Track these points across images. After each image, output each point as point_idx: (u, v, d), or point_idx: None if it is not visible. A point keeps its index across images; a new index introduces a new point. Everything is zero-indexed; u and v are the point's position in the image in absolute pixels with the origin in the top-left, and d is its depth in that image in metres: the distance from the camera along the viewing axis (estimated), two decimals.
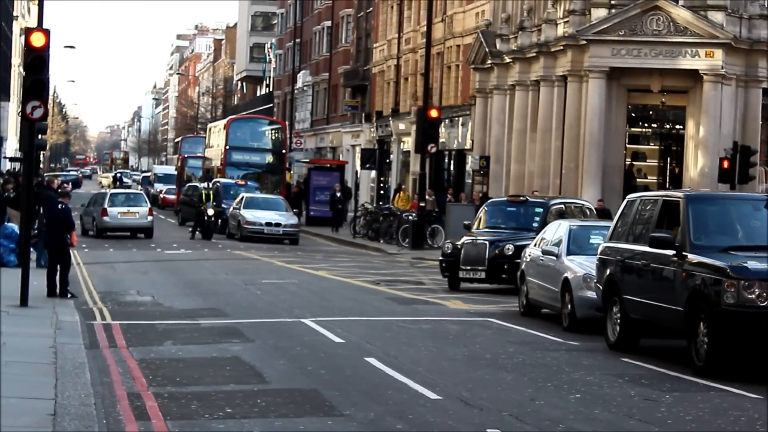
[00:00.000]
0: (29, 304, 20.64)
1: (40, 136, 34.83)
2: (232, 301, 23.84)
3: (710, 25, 39.87)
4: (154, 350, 16.76)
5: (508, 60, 47.89)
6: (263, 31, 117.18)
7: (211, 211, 46.79)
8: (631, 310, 17.35)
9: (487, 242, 27.05)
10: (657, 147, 43.51)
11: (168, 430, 11.50)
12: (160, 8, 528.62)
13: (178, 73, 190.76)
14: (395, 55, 66.35)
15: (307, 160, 70.65)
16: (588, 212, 29.47)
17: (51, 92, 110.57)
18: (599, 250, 18.84)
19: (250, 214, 46.82)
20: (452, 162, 58.31)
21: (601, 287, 18.49)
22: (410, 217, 44.18)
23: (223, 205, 48.83)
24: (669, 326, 16.56)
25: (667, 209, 16.88)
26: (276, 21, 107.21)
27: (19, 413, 11.31)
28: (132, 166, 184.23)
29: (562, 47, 42.65)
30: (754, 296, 14.70)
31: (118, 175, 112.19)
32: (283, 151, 63.39)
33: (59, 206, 23.58)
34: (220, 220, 48.38)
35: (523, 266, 23.29)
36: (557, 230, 22.54)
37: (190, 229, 48.64)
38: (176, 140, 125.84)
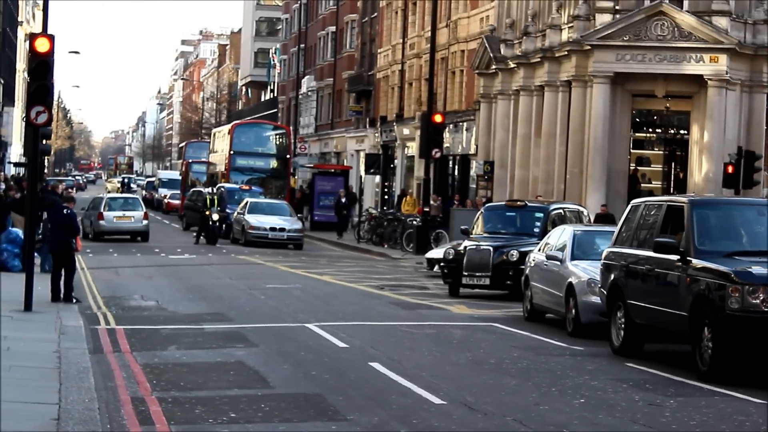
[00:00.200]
0: (33, 309, 20.64)
1: (44, 141, 34.86)
2: (236, 306, 23.83)
3: (715, 30, 39.84)
4: (158, 355, 16.76)
5: (512, 65, 47.88)
6: (268, 36, 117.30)
7: (215, 216, 46.83)
8: (636, 315, 17.34)
9: (491, 248, 26.88)
10: (661, 152, 43.47)
11: None
12: (165, 14, 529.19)
13: (182, 79, 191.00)
14: (400, 61, 66.35)
15: (312, 165, 70.70)
16: (581, 217, 29.35)
17: (55, 97, 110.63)
18: (603, 255, 18.83)
19: (254, 219, 46.84)
20: (456, 167, 58.30)
21: (605, 292, 18.49)
22: (415, 222, 44.20)
23: (227, 210, 48.88)
24: (673, 331, 16.54)
25: (672, 214, 16.87)
26: (280, 26, 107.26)
27: (23, 418, 11.32)
28: (136, 171, 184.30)
29: (566, 52, 42.63)
30: (758, 301, 14.69)
31: (126, 180, 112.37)
32: (288, 156, 63.47)
33: (65, 211, 23.60)
34: (224, 225, 48.41)
35: (527, 271, 23.29)
36: (561, 235, 22.54)
37: (195, 234, 48.67)
38: (180, 145, 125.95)
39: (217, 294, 26.50)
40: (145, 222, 47.54)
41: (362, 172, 66.69)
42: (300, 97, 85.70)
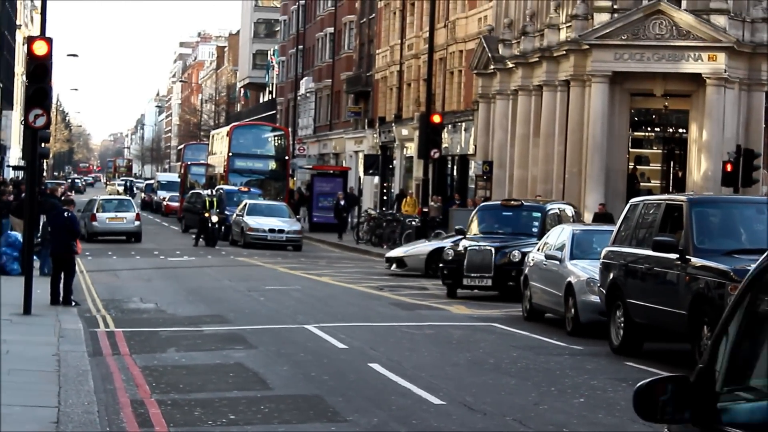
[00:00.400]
0: (32, 312, 20.62)
1: (42, 145, 34.84)
2: (235, 308, 23.82)
3: (713, 28, 39.83)
4: (157, 357, 16.75)
5: (510, 65, 47.87)
6: (266, 38, 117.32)
7: (214, 218, 46.82)
8: (635, 314, 17.33)
9: (492, 248, 26.59)
10: (660, 151, 43.46)
11: None
12: (163, 16, 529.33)
13: (181, 81, 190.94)
14: (398, 61, 66.34)
15: (310, 167, 70.69)
16: (570, 215, 29.16)
17: (54, 100, 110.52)
18: (602, 254, 18.82)
19: (253, 221, 46.84)
20: (455, 167, 58.31)
21: (604, 291, 18.49)
22: (414, 223, 44.19)
23: (226, 212, 48.86)
24: (672, 330, 16.53)
25: (670, 213, 16.87)
26: (279, 28, 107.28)
27: (23, 421, 11.31)
28: (135, 174, 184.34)
29: (564, 52, 42.62)
30: None
31: (129, 184, 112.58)
32: (286, 157, 63.44)
33: (65, 214, 23.57)
34: (223, 227, 48.40)
35: (526, 271, 23.25)
36: (560, 235, 22.52)
37: (194, 236, 48.66)
38: (179, 147, 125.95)
39: (217, 296, 26.49)
40: (137, 223, 48.22)
41: (361, 173, 66.71)
42: (298, 98, 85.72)
